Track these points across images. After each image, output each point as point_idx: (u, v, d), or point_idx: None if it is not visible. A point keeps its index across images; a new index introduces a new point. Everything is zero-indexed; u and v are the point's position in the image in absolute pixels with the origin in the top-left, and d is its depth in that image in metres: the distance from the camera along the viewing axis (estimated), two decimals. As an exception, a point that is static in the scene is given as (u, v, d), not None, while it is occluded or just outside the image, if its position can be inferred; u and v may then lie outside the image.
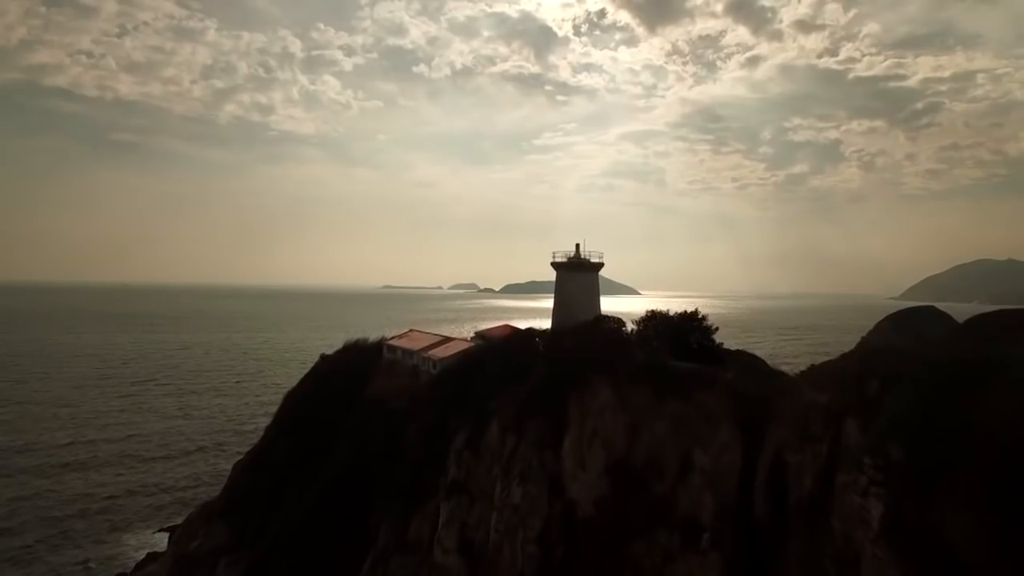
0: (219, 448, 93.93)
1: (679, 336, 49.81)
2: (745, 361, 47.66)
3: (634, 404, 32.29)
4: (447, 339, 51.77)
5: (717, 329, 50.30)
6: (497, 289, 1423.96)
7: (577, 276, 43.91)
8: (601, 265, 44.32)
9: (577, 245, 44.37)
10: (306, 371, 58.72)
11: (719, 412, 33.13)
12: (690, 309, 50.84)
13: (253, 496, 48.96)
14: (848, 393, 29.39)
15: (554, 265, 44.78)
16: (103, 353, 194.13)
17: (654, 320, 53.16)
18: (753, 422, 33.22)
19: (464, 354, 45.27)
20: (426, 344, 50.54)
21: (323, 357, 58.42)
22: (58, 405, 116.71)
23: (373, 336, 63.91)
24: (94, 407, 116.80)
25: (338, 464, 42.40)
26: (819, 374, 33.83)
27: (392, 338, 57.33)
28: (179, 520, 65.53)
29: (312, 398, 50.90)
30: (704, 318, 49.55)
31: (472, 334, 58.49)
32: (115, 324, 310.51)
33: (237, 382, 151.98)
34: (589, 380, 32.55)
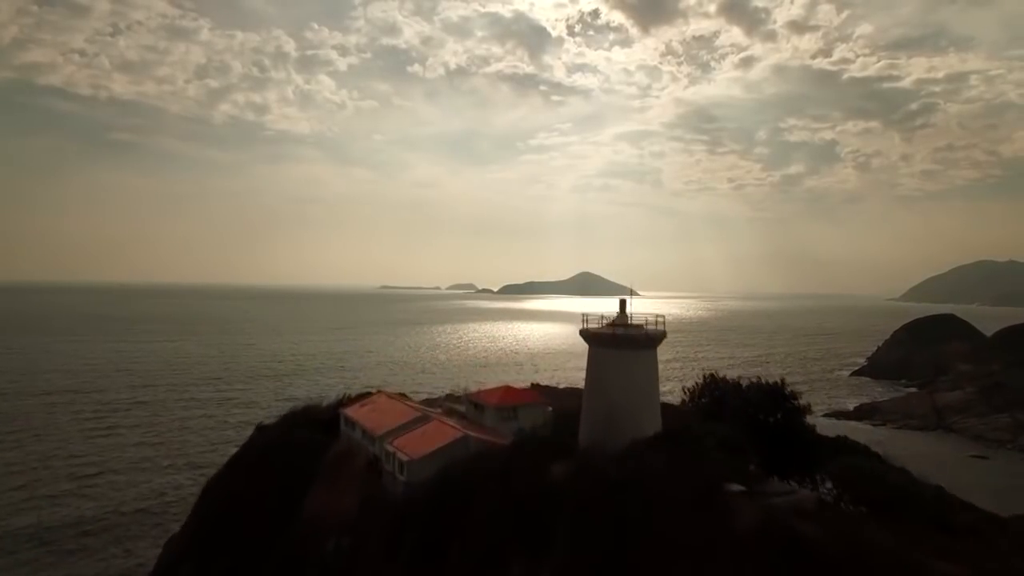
0: (169, 509, 75.87)
1: (754, 414, 35.17)
2: (854, 464, 32.68)
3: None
4: (424, 417, 36.66)
5: (809, 409, 35.40)
6: (495, 290, 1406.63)
7: (624, 357, 26.69)
8: (663, 336, 27.62)
9: (623, 302, 27.69)
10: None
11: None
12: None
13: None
14: None
15: (586, 336, 28.55)
16: (77, 368, 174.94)
17: (718, 390, 38.22)
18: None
19: (446, 454, 30.38)
20: (394, 425, 35.52)
21: (259, 429, 43.43)
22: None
23: (335, 392, 49.60)
24: (39, 448, 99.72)
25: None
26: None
27: (352, 405, 42.40)
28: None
29: (231, 505, 35.78)
30: (793, 394, 34.68)
31: (465, 392, 44.09)
32: (106, 328, 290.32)
33: (219, 405, 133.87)
34: (665, 581, 17.56)
